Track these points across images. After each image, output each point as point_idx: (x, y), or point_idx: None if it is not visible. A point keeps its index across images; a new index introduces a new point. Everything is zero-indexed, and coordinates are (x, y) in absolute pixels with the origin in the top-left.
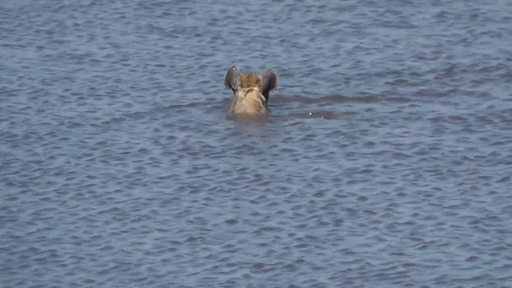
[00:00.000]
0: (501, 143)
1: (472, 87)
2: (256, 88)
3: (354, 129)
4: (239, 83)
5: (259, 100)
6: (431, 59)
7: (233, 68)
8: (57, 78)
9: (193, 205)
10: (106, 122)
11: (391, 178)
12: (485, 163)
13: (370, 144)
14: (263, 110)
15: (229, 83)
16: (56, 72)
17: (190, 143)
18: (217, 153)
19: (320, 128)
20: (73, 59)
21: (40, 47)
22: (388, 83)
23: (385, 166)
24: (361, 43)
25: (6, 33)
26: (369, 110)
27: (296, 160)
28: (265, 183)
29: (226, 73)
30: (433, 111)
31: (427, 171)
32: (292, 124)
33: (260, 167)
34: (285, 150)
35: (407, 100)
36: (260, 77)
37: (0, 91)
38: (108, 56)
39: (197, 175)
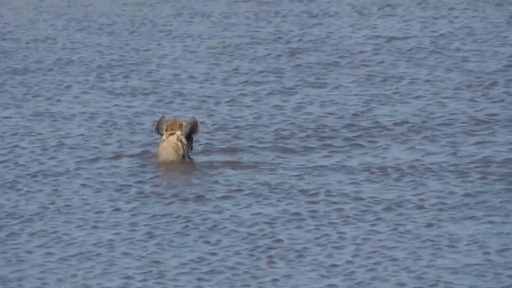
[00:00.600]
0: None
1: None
2: (178, 132)
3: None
4: (165, 128)
5: (179, 143)
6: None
7: (163, 117)
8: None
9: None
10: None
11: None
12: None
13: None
14: (181, 152)
15: (158, 129)
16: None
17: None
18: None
19: (245, 179)
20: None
21: None
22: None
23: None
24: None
25: None
26: (289, 161)
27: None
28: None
29: (157, 122)
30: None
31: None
32: (214, 174)
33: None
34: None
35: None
36: (184, 123)
37: None
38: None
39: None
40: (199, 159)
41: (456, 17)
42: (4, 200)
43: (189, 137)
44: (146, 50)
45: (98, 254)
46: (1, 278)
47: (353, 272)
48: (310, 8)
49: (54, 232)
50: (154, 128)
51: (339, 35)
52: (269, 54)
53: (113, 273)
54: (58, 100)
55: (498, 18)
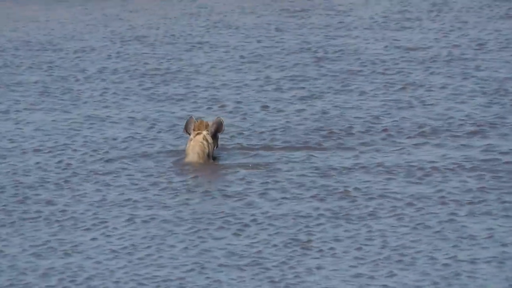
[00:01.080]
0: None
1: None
2: (204, 132)
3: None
4: (192, 128)
5: (205, 142)
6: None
7: (191, 117)
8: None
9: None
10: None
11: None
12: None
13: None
14: (207, 150)
15: (186, 129)
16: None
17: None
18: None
19: (278, 178)
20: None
21: None
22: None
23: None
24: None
25: None
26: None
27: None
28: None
29: (185, 122)
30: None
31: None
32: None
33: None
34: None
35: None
36: (210, 123)
37: None
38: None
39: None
40: (235, 159)
41: (469, 29)
42: (58, 198)
43: (214, 136)
44: (182, 60)
45: (148, 247)
46: (58, 268)
47: (380, 263)
48: (334, 21)
49: (105, 227)
50: (183, 128)
51: (361, 45)
52: (297, 64)
53: (160, 264)
54: (105, 106)
55: (509, 29)
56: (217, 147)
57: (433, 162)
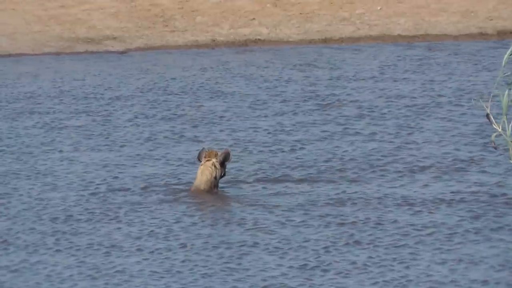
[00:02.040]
0: None
1: None
2: (213, 159)
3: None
4: (204, 156)
5: (213, 167)
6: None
7: (203, 148)
8: None
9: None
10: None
11: None
12: None
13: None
14: (214, 174)
15: (199, 158)
16: None
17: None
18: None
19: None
20: None
21: None
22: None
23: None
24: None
25: None
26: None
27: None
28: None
29: (199, 151)
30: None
31: None
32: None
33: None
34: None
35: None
36: (219, 152)
37: None
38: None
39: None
40: (275, 186)
41: (452, 78)
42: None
43: (222, 164)
44: (204, 107)
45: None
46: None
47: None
48: (336, 74)
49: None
50: (196, 157)
51: (361, 95)
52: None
53: (208, 249)
54: (140, 143)
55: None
56: (224, 174)
57: (441, 193)
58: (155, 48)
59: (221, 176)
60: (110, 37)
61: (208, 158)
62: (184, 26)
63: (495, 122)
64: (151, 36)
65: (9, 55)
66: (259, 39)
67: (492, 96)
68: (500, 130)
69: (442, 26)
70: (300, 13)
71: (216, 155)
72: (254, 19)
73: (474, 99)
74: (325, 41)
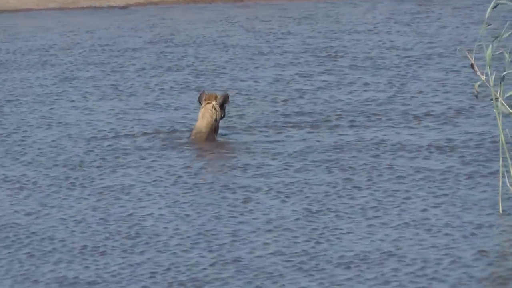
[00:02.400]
0: None
1: None
2: (213, 102)
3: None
4: (204, 98)
5: (213, 110)
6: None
7: (203, 91)
8: None
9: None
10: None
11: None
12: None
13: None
14: (214, 116)
15: (199, 100)
16: None
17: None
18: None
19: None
20: None
21: None
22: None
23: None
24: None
25: None
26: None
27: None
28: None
29: (199, 94)
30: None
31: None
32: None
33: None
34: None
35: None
36: (219, 95)
37: None
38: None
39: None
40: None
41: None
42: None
43: (222, 106)
44: (209, 59)
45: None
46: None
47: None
48: (333, 27)
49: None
50: (197, 99)
51: (361, 47)
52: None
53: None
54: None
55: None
56: (224, 116)
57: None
58: (154, 3)
59: (221, 118)
60: None
61: (208, 101)
62: None
63: (480, 71)
64: None
65: (16, 10)
66: None
67: (479, 47)
68: (483, 79)
69: None
70: None
71: (216, 97)
72: None
73: (459, 49)
74: None
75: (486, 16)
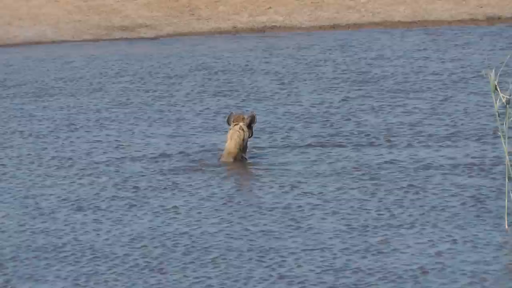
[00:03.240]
0: None
1: None
2: (241, 123)
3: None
4: (232, 120)
5: (240, 131)
6: None
7: (231, 113)
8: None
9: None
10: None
11: None
12: None
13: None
14: (242, 136)
15: (228, 122)
16: None
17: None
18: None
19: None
20: None
21: None
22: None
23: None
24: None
25: None
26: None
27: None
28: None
29: (227, 116)
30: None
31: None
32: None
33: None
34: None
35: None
36: (246, 116)
37: None
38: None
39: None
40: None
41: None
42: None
43: (249, 126)
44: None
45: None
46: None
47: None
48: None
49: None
50: (225, 120)
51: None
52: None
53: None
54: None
55: None
56: (251, 135)
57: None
58: (183, 34)
59: (249, 137)
60: (142, 25)
61: (236, 122)
62: (208, 14)
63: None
64: (179, 24)
65: (53, 42)
66: (275, 26)
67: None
68: (504, 100)
69: (438, 12)
70: (311, 2)
71: (243, 118)
72: (270, 8)
73: (484, 72)
74: (333, 27)
75: None
